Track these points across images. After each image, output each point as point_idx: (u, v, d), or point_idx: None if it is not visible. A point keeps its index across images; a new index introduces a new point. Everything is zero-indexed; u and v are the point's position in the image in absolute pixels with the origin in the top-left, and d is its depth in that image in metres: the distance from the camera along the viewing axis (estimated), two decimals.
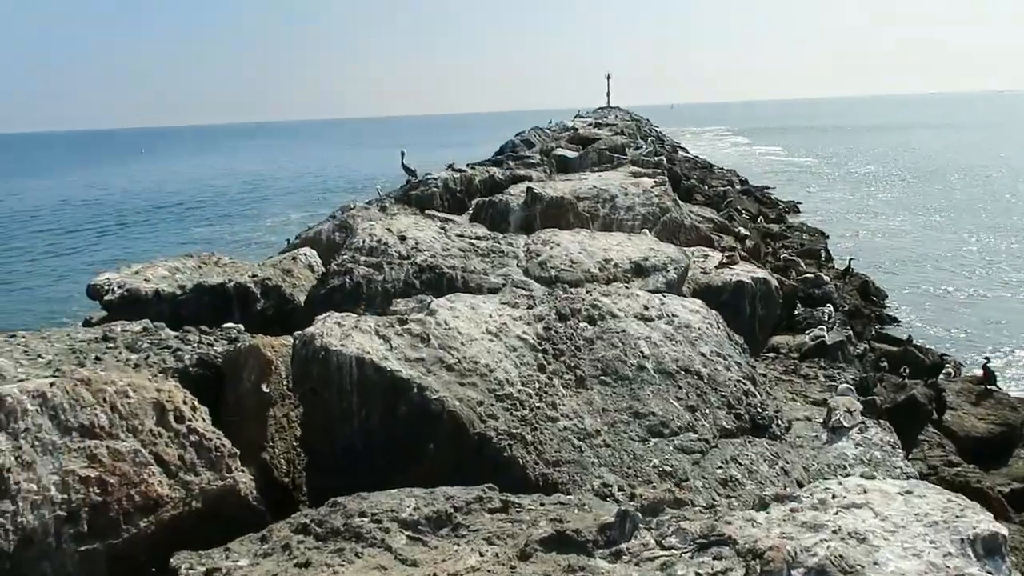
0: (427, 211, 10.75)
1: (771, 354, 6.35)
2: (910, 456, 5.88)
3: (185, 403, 3.23)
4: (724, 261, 7.12)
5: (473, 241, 6.95)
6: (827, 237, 18.72)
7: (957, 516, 2.58)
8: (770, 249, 12.41)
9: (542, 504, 2.99)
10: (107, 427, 2.97)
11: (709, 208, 13.67)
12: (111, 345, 4.35)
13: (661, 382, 4.17)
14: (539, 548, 2.69)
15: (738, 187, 23.67)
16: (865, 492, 2.76)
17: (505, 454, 3.53)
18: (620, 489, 3.42)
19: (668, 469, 3.58)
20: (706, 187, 18.42)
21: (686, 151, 34.04)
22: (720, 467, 3.65)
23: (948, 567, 2.36)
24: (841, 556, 2.37)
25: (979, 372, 8.77)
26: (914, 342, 9.77)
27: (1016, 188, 30.62)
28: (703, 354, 4.48)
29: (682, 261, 6.60)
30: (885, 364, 8.35)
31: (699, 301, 5.38)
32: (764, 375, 5.62)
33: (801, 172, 40.38)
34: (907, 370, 8.20)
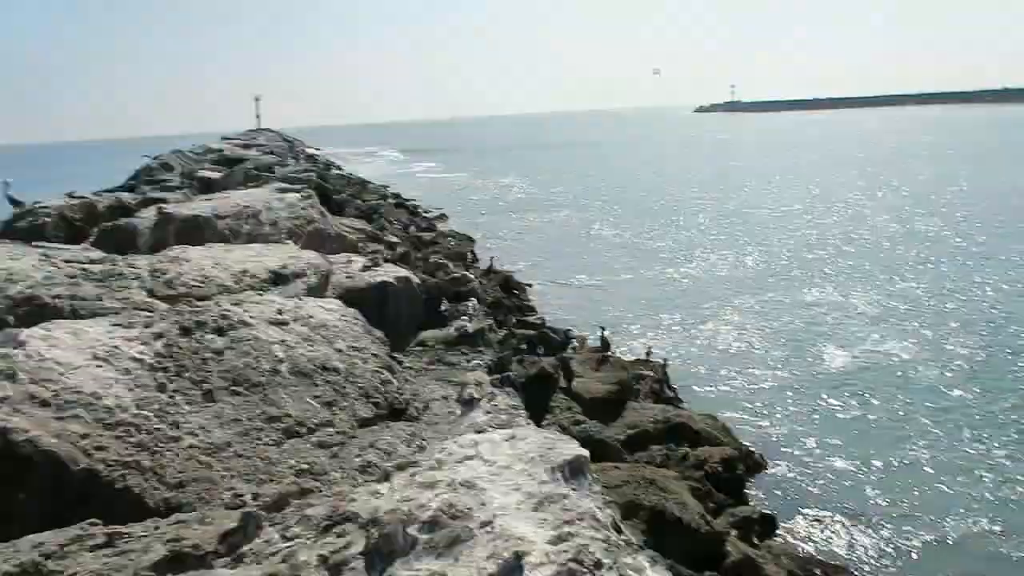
0: (34, 243, 9.26)
1: (419, 348, 6.63)
2: (544, 420, 6.59)
3: None
4: (368, 264, 7.26)
5: (85, 266, 6.15)
6: (473, 241, 20.30)
7: (549, 449, 2.93)
8: (420, 255, 13.00)
9: (156, 528, 2.73)
10: None
11: (361, 220, 13.89)
12: None
13: (297, 383, 4.10)
14: (151, 574, 2.45)
15: (391, 201, 24.42)
16: (476, 444, 3.00)
17: (118, 485, 3.16)
18: (254, 497, 3.27)
19: (305, 467, 3.52)
20: (359, 201, 18.66)
21: (340, 169, 34.23)
22: (358, 455, 3.69)
23: (542, 492, 2.67)
24: (451, 504, 2.54)
25: (598, 343, 10.18)
26: (547, 325, 11.00)
27: (629, 184, 36.52)
28: (340, 350, 4.51)
29: (323, 266, 6.60)
30: (524, 346, 9.25)
31: (337, 301, 5.42)
32: (410, 367, 5.85)
33: (452, 185, 43.18)
34: (542, 349, 9.19)
